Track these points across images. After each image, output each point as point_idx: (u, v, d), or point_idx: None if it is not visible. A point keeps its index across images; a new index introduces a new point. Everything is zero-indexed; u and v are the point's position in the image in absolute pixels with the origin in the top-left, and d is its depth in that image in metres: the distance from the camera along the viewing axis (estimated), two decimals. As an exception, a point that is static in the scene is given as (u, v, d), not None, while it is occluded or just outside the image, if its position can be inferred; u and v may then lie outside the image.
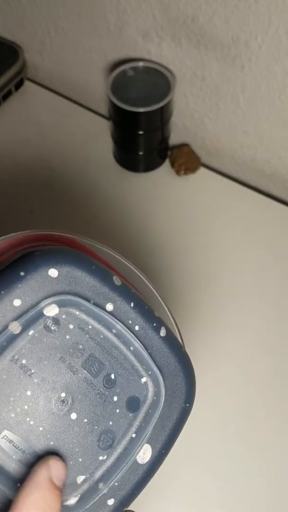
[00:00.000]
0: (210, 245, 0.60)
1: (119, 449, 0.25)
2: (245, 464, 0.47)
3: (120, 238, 0.61)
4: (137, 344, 0.25)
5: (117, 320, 0.25)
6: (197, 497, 0.46)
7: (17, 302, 0.23)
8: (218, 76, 0.58)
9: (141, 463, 0.25)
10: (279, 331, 0.54)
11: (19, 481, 0.23)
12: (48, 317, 0.24)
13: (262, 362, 0.52)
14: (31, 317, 0.23)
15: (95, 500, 0.24)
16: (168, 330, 0.26)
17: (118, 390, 0.25)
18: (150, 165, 0.68)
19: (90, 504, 0.24)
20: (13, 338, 0.23)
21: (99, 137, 0.70)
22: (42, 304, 0.23)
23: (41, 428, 0.23)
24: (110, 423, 0.25)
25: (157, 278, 0.51)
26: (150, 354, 0.25)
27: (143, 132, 0.61)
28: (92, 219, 0.63)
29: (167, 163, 0.68)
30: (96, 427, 0.25)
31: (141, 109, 0.57)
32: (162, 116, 0.60)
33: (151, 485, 0.26)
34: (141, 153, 0.65)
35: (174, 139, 0.70)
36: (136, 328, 0.25)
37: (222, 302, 0.56)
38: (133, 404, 0.25)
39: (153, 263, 0.59)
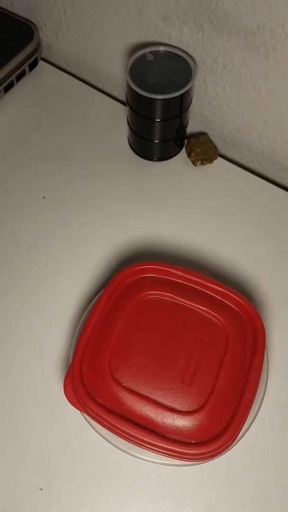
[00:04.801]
0: (224, 237, 0.59)
1: None
2: None
3: (133, 227, 0.60)
4: None
5: None
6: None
7: None
8: (240, 64, 0.56)
9: None
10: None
11: None
12: None
13: None
14: None
15: None
16: None
17: None
18: (166, 154, 0.66)
19: None
20: None
21: (114, 122, 0.68)
22: None
23: None
24: None
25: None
26: None
27: (160, 120, 0.59)
28: (104, 207, 0.62)
29: (183, 152, 0.66)
30: None
31: (160, 96, 0.56)
32: (182, 104, 0.58)
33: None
34: (157, 141, 0.63)
35: (192, 127, 0.68)
36: None
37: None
38: None
39: (164, 254, 0.58)
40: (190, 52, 0.59)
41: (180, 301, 0.48)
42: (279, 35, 0.50)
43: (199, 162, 0.65)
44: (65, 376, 0.46)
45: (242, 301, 0.47)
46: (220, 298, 0.48)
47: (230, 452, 0.44)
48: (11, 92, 0.71)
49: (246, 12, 0.50)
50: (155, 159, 0.66)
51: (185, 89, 0.56)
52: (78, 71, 0.75)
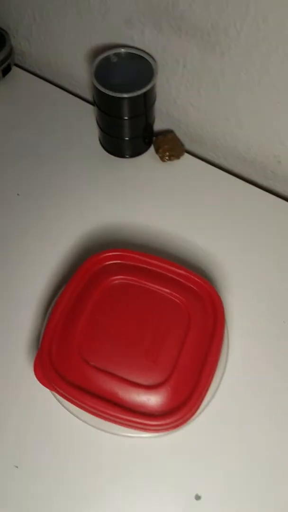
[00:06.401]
0: (193, 229, 0.62)
1: None
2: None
3: (106, 222, 0.62)
4: None
5: None
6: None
7: None
8: (199, 63, 0.59)
9: None
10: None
11: None
12: None
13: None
14: None
15: None
16: None
17: None
18: (135, 151, 0.69)
19: None
20: None
21: (85, 122, 0.71)
22: None
23: None
24: None
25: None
26: None
27: (127, 118, 0.62)
28: (78, 204, 0.64)
29: (152, 149, 0.69)
30: None
31: (125, 95, 0.59)
32: (146, 102, 0.61)
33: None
34: (126, 138, 0.66)
35: (159, 125, 0.71)
36: None
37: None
38: None
39: (132, 243, 0.60)
40: (152, 53, 0.62)
41: (144, 284, 0.50)
42: (232, 34, 0.54)
43: (167, 158, 0.68)
44: (35, 357, 0.48)
45: (202, 282, 0.50)
46: (182, 280, 0.51)
47: (195, 423, 0.46)
48: (-15, 96, 0.74)
49: (200, 12, 0.54)
50: (125, 156, 0.69)
51: (148, 87, 0.59)
52: (50, 76, 0.78)
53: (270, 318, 0.55)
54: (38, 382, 0.47)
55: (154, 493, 0.47)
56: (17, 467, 0.48)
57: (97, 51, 0.67)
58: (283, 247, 0.61)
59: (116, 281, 0.51)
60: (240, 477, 0.47)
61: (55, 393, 0.47)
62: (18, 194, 0.65)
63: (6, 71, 0.75)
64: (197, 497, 0.46)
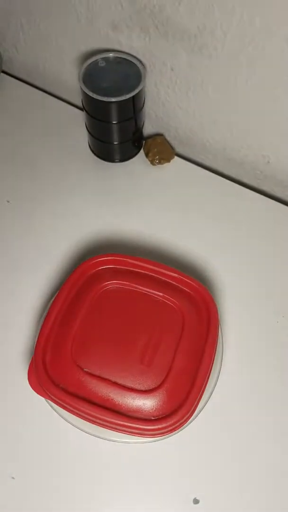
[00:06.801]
0: (181, 228, 0.62)
1: None
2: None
3: (98, 227, 0.62)
4: None
5: None
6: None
7: None
8: (187, 66, 0.59)
9: None
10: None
11: None
12: None
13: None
14: None
15: None
16: None
17: None
18: (125, 155, 0.69)
19: None
20: None
21: (75, 128, 0.71)
22: None
23: None
24: None
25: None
26: None
27: (116, 122, 0.62)
28: (69, 210, 0.64)
29: (142, 153, 0.69)
30: None
31: (113, 99, 0.58)
32: (134, 106, 0.61)
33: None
34: (115, 143, 0.66)
35: (149, 129, 0.71)
36: None
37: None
38: None
39: (125, 247, 0.60)
40: (140, 57, 0.62)
41: (138, 288, 0.50)
42: (218, 35, 0.54)
43: (157, 161, 0.68)
44: (29, 365, 0.48)
45: (195, 285, 0.50)
46: (175, 283, 0.51)
47: (191, 426, 0.46)
48: (-26, 104, 0.73)
49: (187, 14, 0.54)
50: (115, 161, 0.69)
51: (136, 91, 0.59)
52: (39, 82, 0.78)
53: (263, 319, 0.55)
54: (32, 390, 0.46)
55: (152, 498, 0.46)
56: (13, 478, 0.47)
57: (85, 56, 0.67)
58: (275, 247, 0.61)
59: (109, 286, 0.51)
60: (238, 480, 0.47)
61: (49, 401, 0.47)
62: (8, 201, 0.65)
63: (-6, 78, 0.75)
64: (195, 501, 0.46)
